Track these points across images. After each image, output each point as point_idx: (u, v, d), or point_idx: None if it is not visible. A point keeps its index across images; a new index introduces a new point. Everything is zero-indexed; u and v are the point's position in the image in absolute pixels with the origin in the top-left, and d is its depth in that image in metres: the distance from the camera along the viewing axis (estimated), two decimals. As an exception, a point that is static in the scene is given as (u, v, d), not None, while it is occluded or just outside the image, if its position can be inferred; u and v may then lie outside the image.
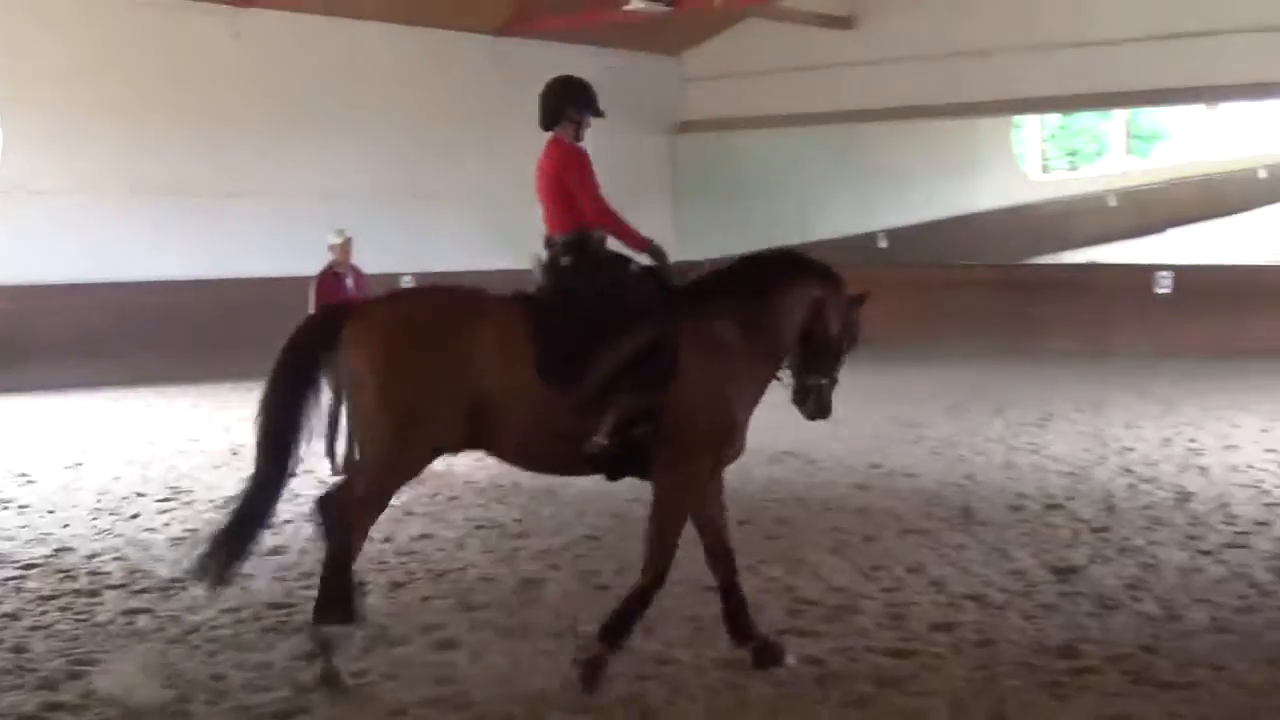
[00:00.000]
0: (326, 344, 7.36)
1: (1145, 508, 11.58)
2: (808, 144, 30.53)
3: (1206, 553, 10.02)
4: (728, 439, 7.56)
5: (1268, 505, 11.60)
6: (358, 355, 7.26)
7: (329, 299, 13.50)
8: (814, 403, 7.97)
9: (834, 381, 8.01)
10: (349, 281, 13.80)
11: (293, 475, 7.41)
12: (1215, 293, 23.78)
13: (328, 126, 23.93)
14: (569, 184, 8.30)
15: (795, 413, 15.25)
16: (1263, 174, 46.23)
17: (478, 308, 7.46)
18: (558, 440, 7.34)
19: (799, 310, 7.73)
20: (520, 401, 7.23)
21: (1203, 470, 13.20)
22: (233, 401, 19.20)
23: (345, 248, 13.91)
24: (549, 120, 8.72)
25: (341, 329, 7.33)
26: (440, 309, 7.43)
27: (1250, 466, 13.34)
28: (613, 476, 7.73)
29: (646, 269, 8.03)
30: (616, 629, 7.41)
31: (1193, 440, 14.89)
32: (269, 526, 7.36)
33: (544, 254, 8.25)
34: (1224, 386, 19.07)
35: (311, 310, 13.44)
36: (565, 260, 8.01)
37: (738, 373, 7.56)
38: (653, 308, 7.59)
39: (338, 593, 7.27)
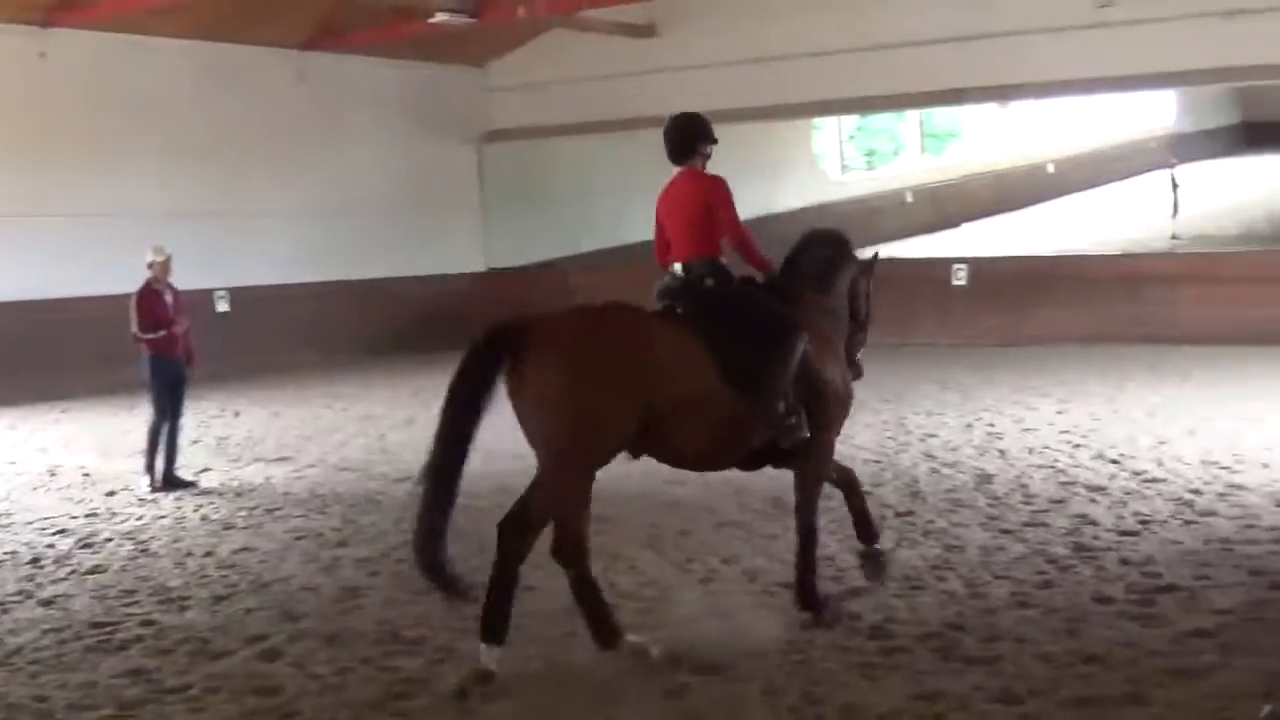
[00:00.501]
0: (512, 351, 7.53)
1: (948, 491, 11.84)
2: (619, 150, 30.63)
3: (1007, 532, 10.28)
4: (849, 407, 8.73)
5: (1063, 484, 11.94)
6: (549, 366, 7.45)
7: (150, 316, 13.41)
8: (855, 369, 9.10)
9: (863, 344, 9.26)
10: (168, 298, 13.64)
11: (462, 464, 7.71)
12: (1008, 284, 24.38)
13: (134, 145, 23.50)
14: (716, 211, 8.67)
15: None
16: (1050, 169, 47.52)
17: (655, 325, 7.93)
18: (732, 439, 8.01)
19: (848, 294, 9.03)
20: (704, 408, 7.77)
21: (1001, 453, 13.53)
22: (48, 423, 18.84)
23: (165, 265, 13.76)
24: (682, 155, 9.00)
25: (527, 341, 7.51)
26: (624, 325, 7.73)
27: (1046, 448, 13.71)
28: (753, 467, 8.55)
29: (764, 283, 8.75)
30: (806, 593, 8.31)
31: (991, 425, 15.25)
32: (451, 507, 7.62)
33: (675, 277, 8.54)
34: (1019, 373, 19.56)
35: (135, 328, 13.34)
36: (710, 281, 8.42)
37: (837, 354, 8.70)
38: (787, 315, 8.29)
39: (500, 612, 7.65)
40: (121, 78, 23.41)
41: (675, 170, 8.99)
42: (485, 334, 7.60)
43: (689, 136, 8.98)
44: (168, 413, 13.67)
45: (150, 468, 13.50)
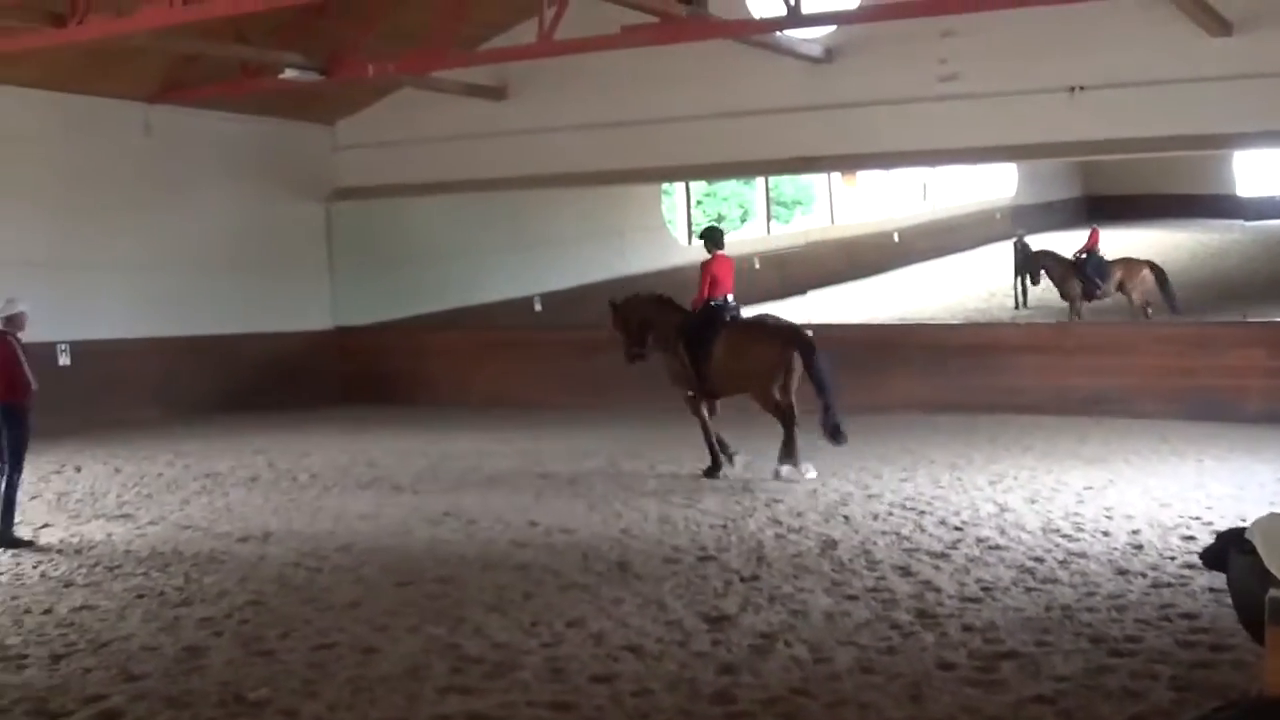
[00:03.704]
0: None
1: (793, 556, 11.97)
2: (469, 211, 30.68)
3: (851, 597, 10.41)
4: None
5: (906, 550, 12.11)
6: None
7: (8, 365, 13.21)
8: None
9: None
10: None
11: None
12: (854, 351, 24.53)
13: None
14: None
15: (456, 476, 15.46)
16: (896, 237, 48.43)
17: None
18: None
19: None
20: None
21: (846, 519, 13.69)
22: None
23: (23, 318, 13.62)
24: (720, 245, 17.11)
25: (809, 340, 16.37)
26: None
27: (890, 514, 13.90)
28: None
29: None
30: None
31: (836, 491, 15.44)
32: None
33: (729, 306, 16.90)
34: (866, 439, 19.77)
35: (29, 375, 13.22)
36: (735, 310, 17.04)
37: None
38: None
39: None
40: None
41: (716, 253, 16.95)
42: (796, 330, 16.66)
43: (721, 236, 17.31)
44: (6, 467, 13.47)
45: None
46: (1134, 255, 32.66)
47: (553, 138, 26.34)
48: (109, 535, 13.73)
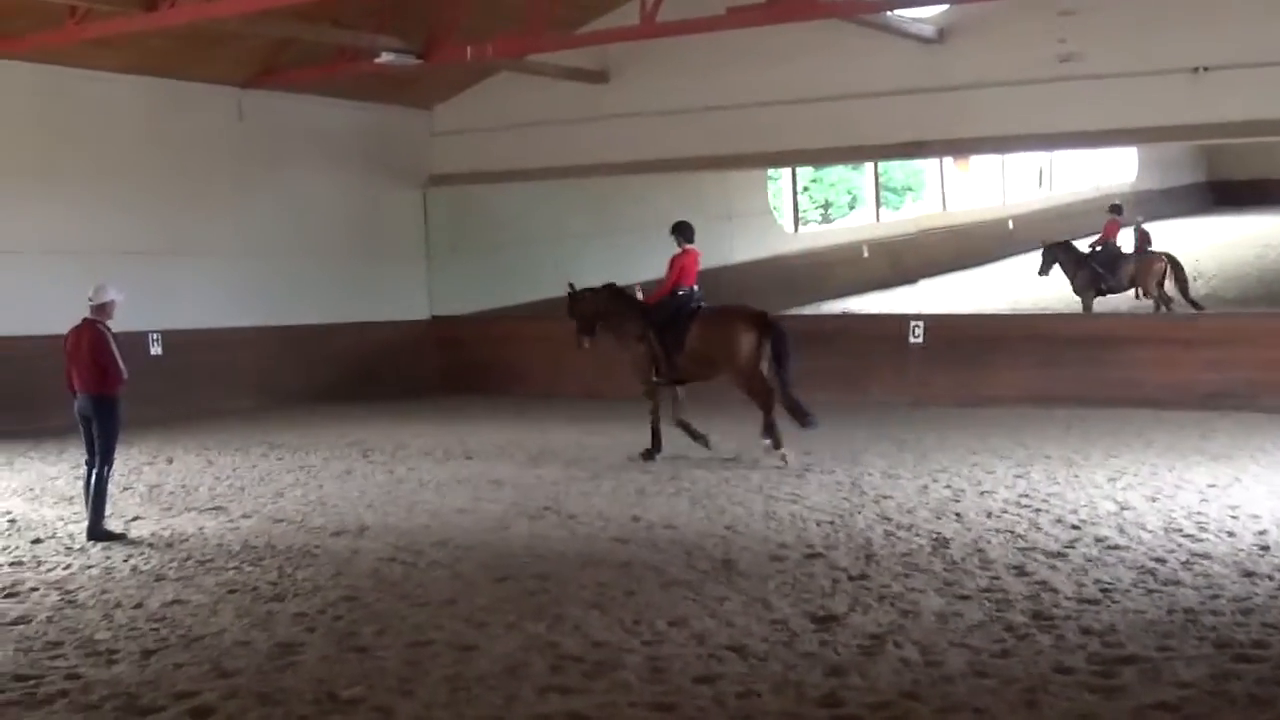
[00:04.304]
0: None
1: (903, 555, 11.85)
2: (565, 198, 30.74)
3: (964, 597, 10.29)
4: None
5: (1022, 550, 11.96)
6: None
7: (99, 355, 13.44)
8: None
9: None
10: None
11: None
12: (966, 341, 24.48)
13: (68, 180, 23.34)
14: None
15: (556, 469, 15.51)
16: (1010, 225, 47.92)
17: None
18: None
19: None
20: None
21: (958, 517, 13.56)
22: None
23: (112, 306, 13.76)
24: (690, 239, 18.06)
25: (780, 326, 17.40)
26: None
27: (1004, 512, 13.74)
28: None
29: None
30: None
31: (948, 487, 15.30)
32: None
33: (695, 295, 17.92)
34: (977, 434, 19.64)
35: (121, 364, 13.35)
36: (700, 300, 17.93)
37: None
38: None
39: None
40: (60, 113, 23.29)
41: (686, 247, 17.99)
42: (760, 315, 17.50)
43: (690, 230, 18.14)
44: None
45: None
46: (1163, 249, 32.04)
47: (654, 122, 26.35)
48: (201, 529, 13.87)
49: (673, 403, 18.15)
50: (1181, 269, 30.32)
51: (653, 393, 18.14)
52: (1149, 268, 30.64)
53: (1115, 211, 32.15)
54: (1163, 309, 29.96)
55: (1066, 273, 31.73)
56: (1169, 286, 30.30)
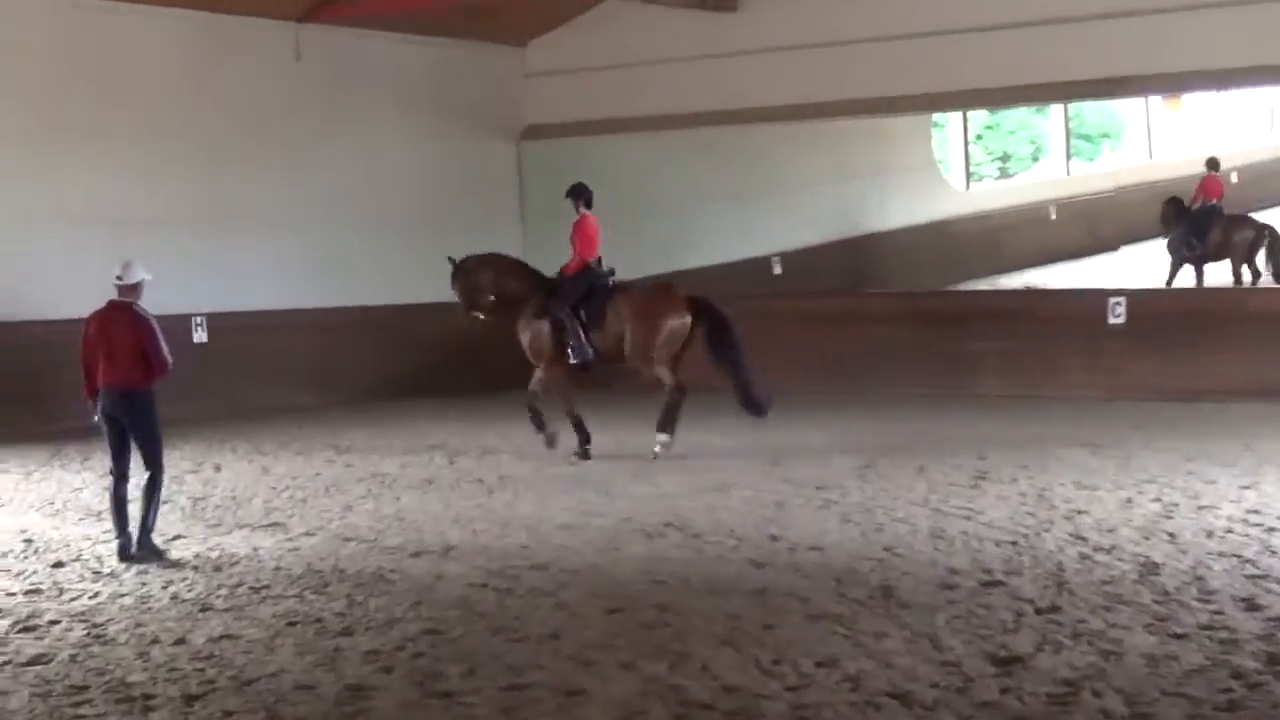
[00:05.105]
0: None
1: (1103, 583, 11.72)
2: (685, 152, 30.71)
3: (1179, 636, 10.14)
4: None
5: (1250, 578, 11.79)
6: None
7: (142, 341, 13.63)
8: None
9: None
10: None
11: None
12: (1178, 323, 24.11)
13: (99, 136, 23.62)
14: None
15: (677, 478, 15.54)
16: (1234, 177, 47.20)
17: None
18: None
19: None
20: None
21: (1171, 537, 13.38)
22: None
23: (141, 287, 13.93)
24: (589, 204, 19.57)
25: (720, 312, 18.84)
26: None
27: (1229, 532, 13.55)
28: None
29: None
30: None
31: (1157, 501, 15.13)
32: None
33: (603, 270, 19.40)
34: (1192, 436, 19.41)
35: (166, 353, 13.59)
36: (611, 274, 19.47)
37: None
38: None
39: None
40: (81, 51, 23.56)
41: (585, 213, 19.55)
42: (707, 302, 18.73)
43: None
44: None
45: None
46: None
47: (793, 59, 26.24)
48: (255, 549, 13.99)
49: (537, 382, 19.49)
50: (1277, 239, 30.20)
51: (556, 382, 19.54)
52: (1233, 233, 30.62)
53: (1211, 167, 31.94)
54: (1243, 280, 30.37)
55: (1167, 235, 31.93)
56: (1245, 258, 30.25)
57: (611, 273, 19.54)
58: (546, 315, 19.23)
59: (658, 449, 18.71)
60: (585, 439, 19.22)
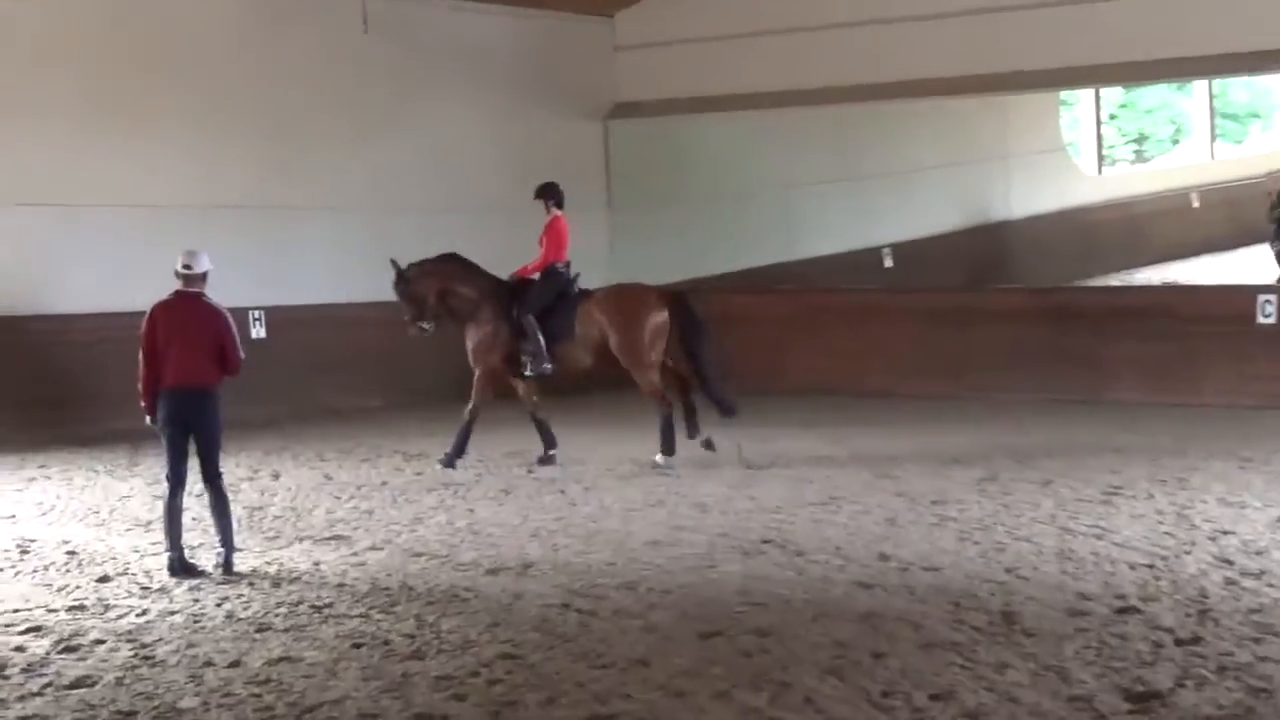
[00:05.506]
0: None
1: (1250, 612, 11.63)
2: (791, 133, 30.68)
3: (1335, 672, 10.11)
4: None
5: None
6: None
7: (218, 334, 13.91)
8: None
9: None
10: None
11: None
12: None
13: (151, 116, 23.76)
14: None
15: (776, 489, 15.52)
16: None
17: None
18: None
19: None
20: None
21: (1329, 560, 13.33)
22: (19, 482, 19.07)
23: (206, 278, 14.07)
24: (561, 204, 19.96)
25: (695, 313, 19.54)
26: None
27: (1394, 555, 13.48)
28: None
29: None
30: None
31: (1313, 517, 15.05)
32: None
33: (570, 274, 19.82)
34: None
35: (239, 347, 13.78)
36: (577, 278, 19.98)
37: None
38: None
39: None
40: (132, 24, 23.73)
41: (556, 213, 19.87)
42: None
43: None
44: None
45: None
46: None
47: (906, 30, 26.20)
48: (316, 564, 14.07)
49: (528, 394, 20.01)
50: None
51: (492, 383, 20.04)
52: None
53: None
54: None
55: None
56: None
57: (577, 277, 19.99)
58: (504, 320, 19.65)
59: (668, 471, 18.93)
60: (460, 452, 19.41)
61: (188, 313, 13.83)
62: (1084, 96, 42.32)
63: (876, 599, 12.25)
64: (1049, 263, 34.74)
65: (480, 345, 19.81)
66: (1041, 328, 25.36)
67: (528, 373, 19.63)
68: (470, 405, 19.60)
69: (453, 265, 20.10)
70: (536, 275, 19.79)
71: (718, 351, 19.97)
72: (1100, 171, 43.14)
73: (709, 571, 13.36)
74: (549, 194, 20.00)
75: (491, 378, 19.87)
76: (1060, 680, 9.95)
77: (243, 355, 13.94)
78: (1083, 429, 18.49)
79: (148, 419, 14.01)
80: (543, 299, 19.60)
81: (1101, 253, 36.91)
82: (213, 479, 13.90)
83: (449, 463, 19.21)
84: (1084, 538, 14.39)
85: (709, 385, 19.53)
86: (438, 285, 19.95)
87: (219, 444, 14.02)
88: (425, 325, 20.11)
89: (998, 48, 25.66)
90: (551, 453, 19.64)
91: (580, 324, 19.54)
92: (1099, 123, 44.27)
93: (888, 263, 33.09)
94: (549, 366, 19.55)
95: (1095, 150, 43.65)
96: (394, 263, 19.89)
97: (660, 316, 19.38)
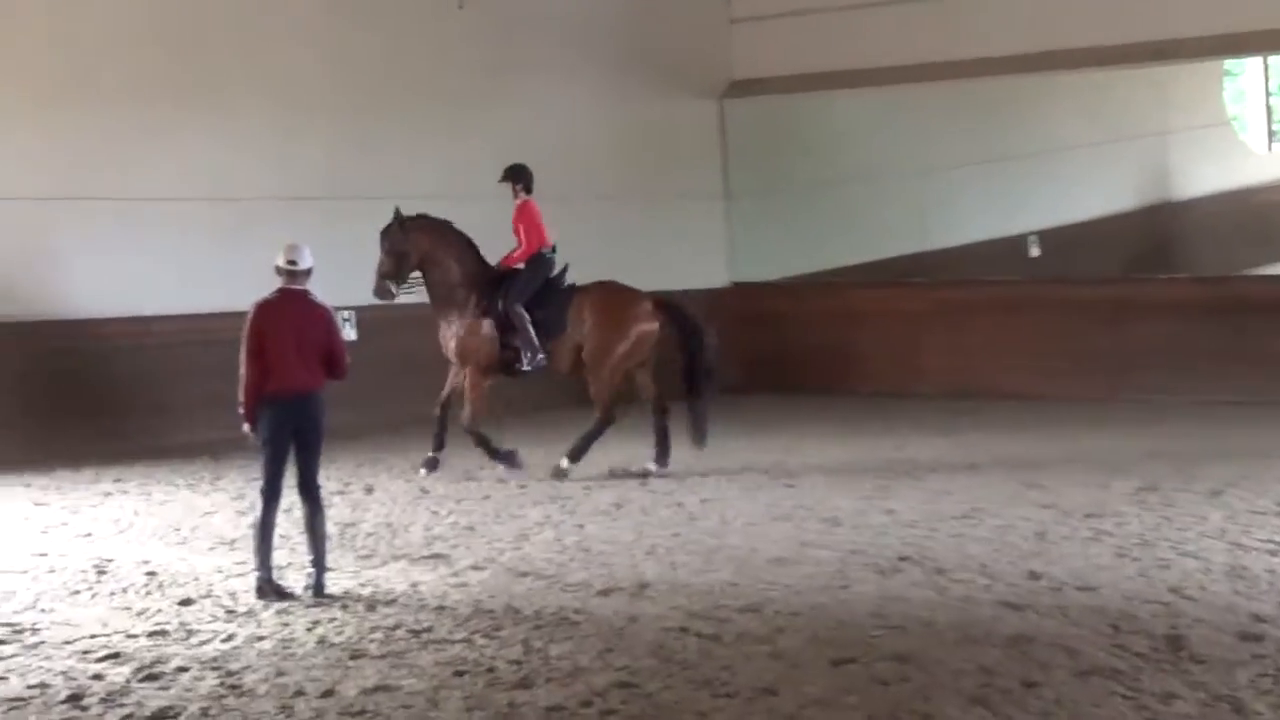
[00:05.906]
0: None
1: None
2: (924, 112, 30.60)
3: None
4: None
5: None
6: None
7: (328, 334, 14.13)
8: None
9: None
10: None
11: None
12: None
13: (219, 102, 23.91)
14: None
15: (913, 502, 15.54)
16: None
17: None
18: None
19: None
20: None
21: None
22: (95, 497, 19.21)
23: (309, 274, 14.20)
24: (530, 189, 20.37)
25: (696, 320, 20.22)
26: None
27: None
28: None
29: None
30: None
31: None
32: None
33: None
34: None
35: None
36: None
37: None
38: None
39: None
40: (215, 3, 23.91)
41: (526, 198, 20.28)
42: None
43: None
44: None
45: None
46: None
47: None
48: (414, 585, 14.13)
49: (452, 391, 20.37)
50: None
51: (481, 392, 20.34)
52: None
53: None
54: None
55: None
56: None
57: (566, 269, 20.28)
58: (489, 314, 19.94)
59: (563, 464, 19.89)
60: (494, 453, 20.15)
61: (294, 312, 13.89)
62: (1250, 66, 42.00)
63: (1026, 621, 12.21)
64: (1215, 249, 34.53)
65: (466, 342, 20.09)
66: (1210, 322, 25.17)
67: (524, 368, 19.95)
68: (467, 412, 20.05)
69: (450, 234, 20.39)
70: (522, 265, 20.05)
71: (719, 357, 20.40)
72: (1270, 148, 42.79)
73: (841, 592, 13.36)
74: (518, 177, 20.33)
75: (483, 376, 20.13)
76: (1233, 711, 9.90)
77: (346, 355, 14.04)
78: (1257, 434, 18.33)
79: (245, 427, 13.99)
80: (530, 287, 19.88)
81: (1272, 236, 36.60)
82: (312, 491, 13.97)
83: (511, 461, 20.02)
84: (1258, 554, 14.31)
85: (698, 400, 19.86)
86: (427, 248, 20.23)
87: (319, 455, 14.10)
88: (394, 288, 20.34)
89: (1156, 12, 25.48)
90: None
91: (572, 323, 19.86)
92: (1268, 94, 43.92)
93: (1034, 251, 32.95)
94: (543, 358, 19.78)
95: (1264, 125, 43.29)
96: (397, 210, 20.19)
97: (649, 327, 19.87)
